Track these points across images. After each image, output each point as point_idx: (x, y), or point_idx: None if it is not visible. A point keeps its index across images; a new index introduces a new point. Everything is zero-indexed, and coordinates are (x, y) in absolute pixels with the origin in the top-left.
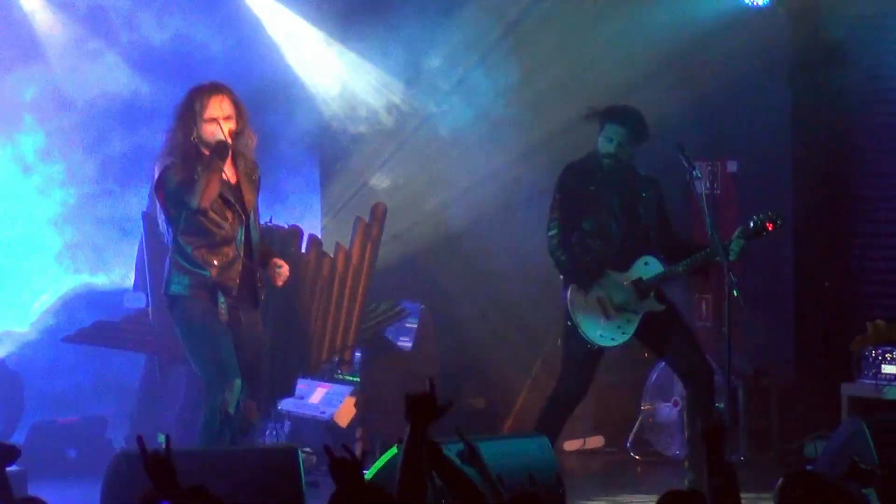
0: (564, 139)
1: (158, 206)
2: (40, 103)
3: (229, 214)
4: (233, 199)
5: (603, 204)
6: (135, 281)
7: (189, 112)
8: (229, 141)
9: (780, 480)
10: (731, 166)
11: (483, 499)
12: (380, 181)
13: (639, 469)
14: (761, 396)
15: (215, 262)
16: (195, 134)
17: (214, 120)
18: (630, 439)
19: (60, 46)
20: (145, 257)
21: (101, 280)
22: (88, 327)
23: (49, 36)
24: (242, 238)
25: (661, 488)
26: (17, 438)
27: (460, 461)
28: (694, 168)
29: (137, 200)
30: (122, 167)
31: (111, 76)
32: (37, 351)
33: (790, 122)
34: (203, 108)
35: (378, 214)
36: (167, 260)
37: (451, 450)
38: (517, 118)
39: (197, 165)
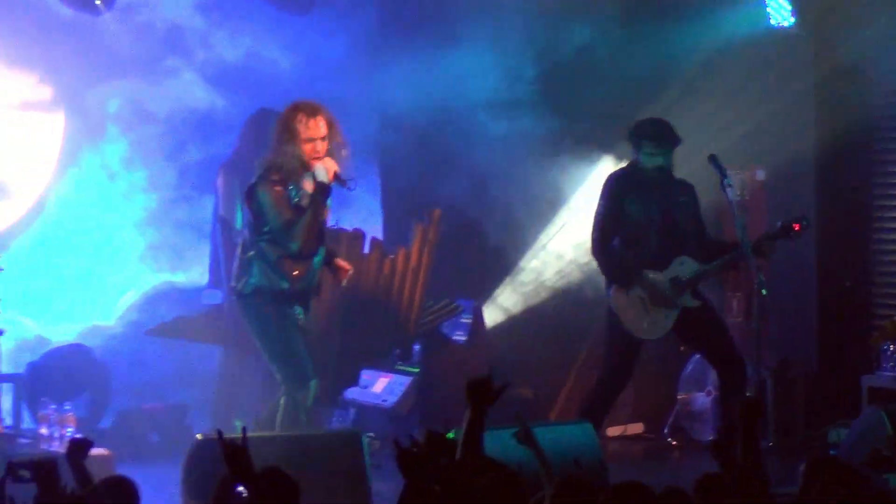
0: (600, 146)
1: (245, 209)
2: (124, 115)
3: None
4: (309, 208)
5: (643, 210)
6: (209, 278)
7: (287, 130)
8: (331, 184)
9: (804, 465)
10: (760, 174)
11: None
12: (437, 187)
13: (675, 454)
14: (787, 387)
15: (295, 273)
16: (292, 150)
17: (312, 139)
18: (667, 426)
19: (142, 63)
20: (221, 257)
21: (181, 278)
22: (169, 321)
23: (131, 54)
24: (322, 252)
25: (695, 472)
26: (104, 424)
27: (517, 441)
28: (726, 176)
29: (213, 205)
30: (198, 174)
31: (188, 91)
32: (122, 343)
33: (814, 133)
34: (302, 127)
35: (435, 219)
36: (241, 259)
37: (507, 434)
38: (558, 127)
39: (289, 181)
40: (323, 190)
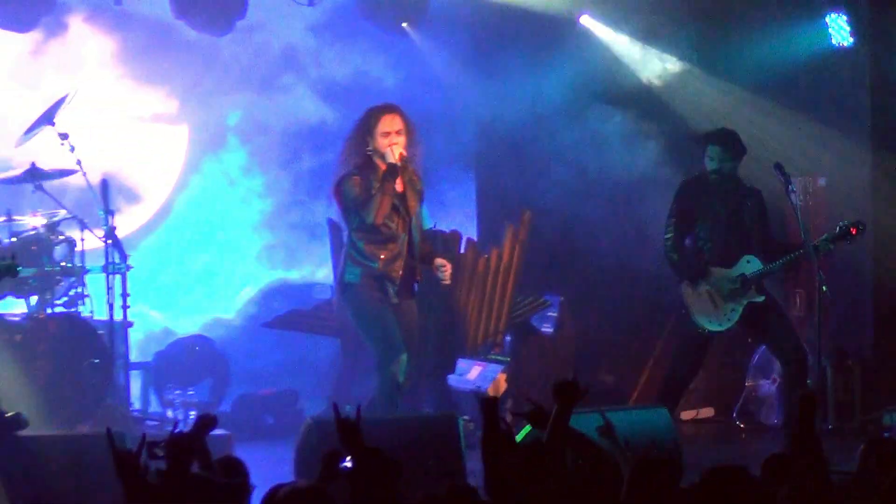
0: (674, 156)
1: (336, 205)
2: (243, 127)
3: (395, 217)
4: (399, 204)
5: (712, 212)
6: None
7: (365, 127)
8: (399, 164)
9: (863, 446)
10: (821, 181)
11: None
12: (527, 191)
13: (743, 436)
14: (846, 375)
15: (382, 256)
16: (370, 145)
17: (387, 134)
18: (736, 410)
19: (259, 80)
20: (331, 255)
21: (294, 275)
22: (283, 314)
23: (250, 71)
24: (406, 237)
25: (762, 452)
26: (224, 408)
27: (598, 435)
28: (790, 183)
29: (323, 209)
30: (310, 181)
31: (301, 105)
32: (241, 334)
33: (870, 144)
34: (377, 123)
35: (525, 220)
36: (342, 252)
37: (590, 421)
38: (637, 138)
39: (370, 174)
40: (391, 169)
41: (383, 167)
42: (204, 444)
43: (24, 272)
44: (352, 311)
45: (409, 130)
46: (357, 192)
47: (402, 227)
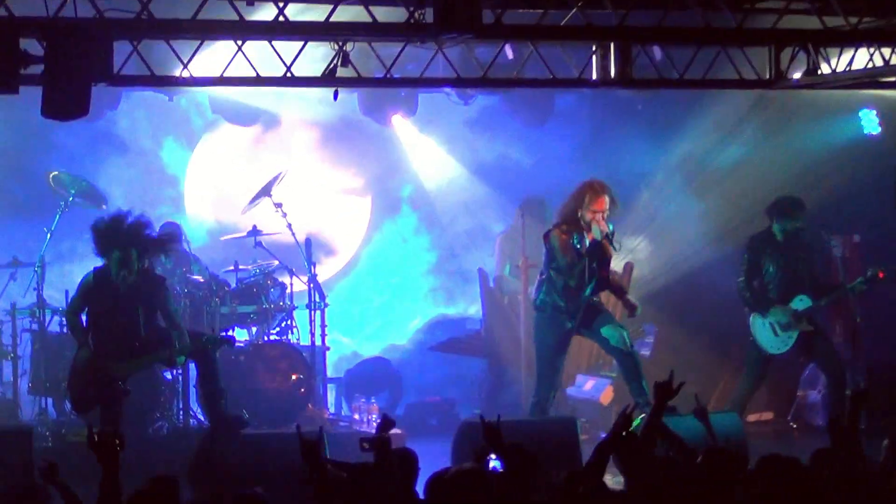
0: (743, 220)
1: (543, 246)
2: (413, 198)
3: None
4: (586, 255)
5: (774, 261)
6: None
7: (581, 199)
8: (603, 240)
9: (887, 441)
10: (856, 238)
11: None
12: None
13: (796, 434)
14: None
15: (562, 302)
16: (580, 213)
17: (596, 211)
18: (791, 414)
19: (424, 160)
20: (480, 297)
21: (452, 311)
22: (444, 341)
23: (420, 154)
24: (591, 287)
25: (811, 447)
26: (399, 412)
27: (695, 416)
28: (831, 240)
29: (475, 260)
30: (466, 239)
31: (457, 180)
32: (411, 356)
33: (894, 208)
34: (592, 202)
35: (628, 269)
36: (539, 279)
37: (685, 420)
38: (708, 196)
39: (574, 231)
40: (596, 244)
41: (587, 231)
42: (387, 439)
43: (246, 309)
44: (535, 331)
45: (614, 204)
46: (559, 244)
47: (585, 276)
